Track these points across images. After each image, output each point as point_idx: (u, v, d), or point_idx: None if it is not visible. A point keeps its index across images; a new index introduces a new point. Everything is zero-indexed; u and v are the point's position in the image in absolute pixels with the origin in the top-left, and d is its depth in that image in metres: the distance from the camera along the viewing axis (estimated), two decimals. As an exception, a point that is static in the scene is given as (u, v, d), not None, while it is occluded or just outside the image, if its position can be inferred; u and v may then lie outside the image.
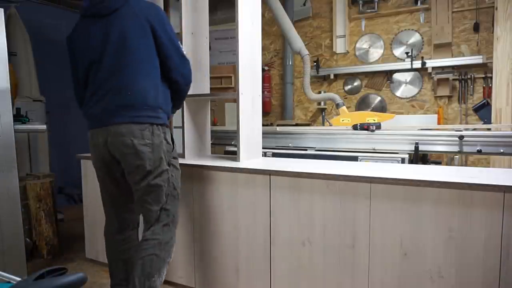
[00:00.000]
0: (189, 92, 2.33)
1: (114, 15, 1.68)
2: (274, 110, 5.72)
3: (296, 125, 5.03)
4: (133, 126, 1.66)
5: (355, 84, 5.14)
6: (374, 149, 2.85)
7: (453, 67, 4.43)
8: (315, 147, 3.08)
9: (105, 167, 1.80)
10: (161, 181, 1.71)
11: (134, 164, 1.68)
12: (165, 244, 1.71)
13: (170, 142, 1.78)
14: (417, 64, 4.57)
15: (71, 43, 1.85)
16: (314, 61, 5.19)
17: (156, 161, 1.69)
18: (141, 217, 1.97)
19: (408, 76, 4.79)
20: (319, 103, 5.25)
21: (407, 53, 4.66)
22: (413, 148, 2.69)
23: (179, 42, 1.81)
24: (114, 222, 1.92)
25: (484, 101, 4.26)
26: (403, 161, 2.61)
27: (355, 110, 5.03)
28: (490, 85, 4.01)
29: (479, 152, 2.53)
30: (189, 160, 2.29)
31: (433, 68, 4.53)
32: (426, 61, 4.52)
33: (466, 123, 4.36)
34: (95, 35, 1.70)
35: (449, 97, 4.51)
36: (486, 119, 4.05)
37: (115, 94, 1.68)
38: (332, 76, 5.20)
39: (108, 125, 1.69)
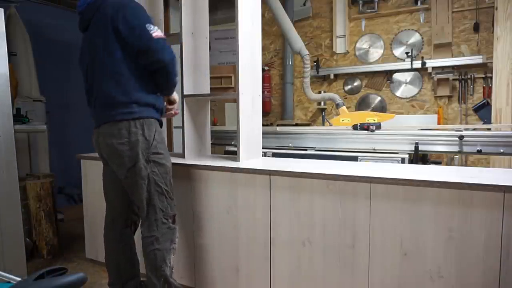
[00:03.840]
0: (189, 92, 2.34)
1: (90, 24, 1.82)
2: (274, 110, 5.72)
3: (296, 125, 5.03)
4: (112, 126, 1.76)
5: (355, 84, 5.14)
6: (374, 149, 2.85)
7: (453, 67, 4.43)
8: (315, 147, 3.08)
9: (105, 164, 1.95)
10: (140, 178, 1.76)
11: (116, 163, 1.79)
12: (163, 237, 1.80)
13: (150, 139, 1.77)
14: (417, 64, 4.57)
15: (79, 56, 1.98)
16: (314, 61, 5.19)
17: (133, 159, 1.74)
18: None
19: (408, 76, 4.79)
20: (319, 103, 5.25)
21: (407, 53, 4.67)
22: (413, 148, 2.69)
23: (148, 26, 1.71)
24: (109, 216, 2.00)
25: (484, 101, 4.25)
26: (403, 161, 2.61)
27: (355, 110, 5.03)
28: (490, 85, 4.02)
29: (479, 152, 2.52)
30: (189, 160, 2.29)
31: (433, 68, 4.53)
32: (426, 61, 4.52)
33: (466, 123, 4.36)
34: (85, 46, 1.88)
35: (449, 97, 4.51)
36: (486, 119, 4.05)
37: (96, 98, 1.82)
38: (332, 76, 5.20)
39: (96, 127, 1.86)
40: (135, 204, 1.90)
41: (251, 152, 2.26)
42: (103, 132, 1.80)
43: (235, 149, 2.44)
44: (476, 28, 4.30)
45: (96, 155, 2.68)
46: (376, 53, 4.97)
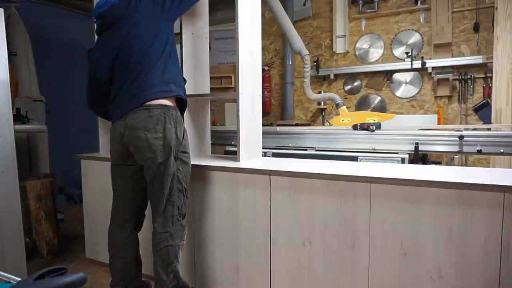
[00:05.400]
0: (189, 92, 2.34)
1: (121, 21, 1.86)
2: (274, 110, 5.72)
3: (296, 125, 5.03)
4: (146, 119, 1.76)
5: (355, 84, 5.14)
6: (374, 149, 2.85)
7: (453, 67, 4.43)
8: (315, 147, 3.08)
9: (119, 164, 1.93)
10: (167, 174, 1.79)
11: (146, 157, 1.79)
12: (176, 234, 1.84)
13: (180, 137, 1.85)
14: (417, 64, 4.57)
15: (92, 54, 2.00)
16: (314, 61, 5.19)
17: (165, 154, 1.78)
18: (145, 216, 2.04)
19: (408, 76, 4.79)
20: (319, 103, 5.25)
21: (407, 53, 4.67)
22: (413, 148, 2.69)
23: None
24: (119, 218, 1.97)
25: (484, 101, 4.26)
26: (403, 161, 2.61)
27: (355, 110, 5.03)
28: (490, 85, 4.01)
29: (479, 152, 2.52)
30: (189, 160, 2.29)
31: (433, 68, 4.53)
32: (426, 61, 4.52)
33: (466, 123, 4.36)
34: (108, 44, 1.90)
35: (449, 97, 4.51)
36: (486, 119, 4.05)
37: (130, 89, 1.85)
38: (332, 76, 5.20)
39: (120, 117, 1.84)
40: (151, 198, 1.89)
41: (251, 152, 2.26)
42: (133, 125, 1.78)
43: (235, 149, 2.44)
44: (476, 28, 4.30)
45: (96, 154, 2.71)
46: (376, 53, 4.97)
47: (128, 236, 1.96)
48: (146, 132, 1.76)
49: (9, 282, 0.86)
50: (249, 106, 2.22)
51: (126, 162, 1.90)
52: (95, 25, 1.99)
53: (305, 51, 3.78)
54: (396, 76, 4.85)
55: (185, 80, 2.07)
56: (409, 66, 4.62)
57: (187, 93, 2.31)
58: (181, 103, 1.96)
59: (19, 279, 0.82)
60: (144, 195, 1.94)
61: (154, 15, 1.87)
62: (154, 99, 1.79)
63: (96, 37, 2.02)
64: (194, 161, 2.22)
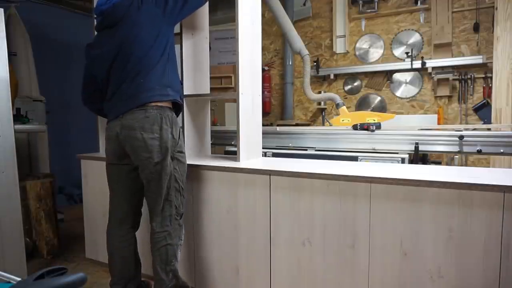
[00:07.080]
0: (189, 92, 2.35)
1: (123, 21, 1.86)
2: (274, 110, 5.72)
3: (296, 125, 5.03)
4: (142, 119, 1.78)
5: (355, 84, 5.14)
6: (374, 149, 2.85)
7: (453, 67, 4.43)
8: (315, 147, 3.08)
9: (114, 163, 1.94)
10: (164, 174, 1.80)
11: (143, 157, 1.80)
12: (174, 233, 1.85)
13: (176, 137, 1.86)
14: (417, 64, 4.57)
15: (90, 51, 1.99)
16: (314, 61, 5.19)
17: (162, 154, 1.79)
18: (142, 215, 2.04)
19: (408, 76, 4.79)
20: (319, 103, 5.25)
21: (407, 53, 4.67)
22: (413, 148, 2.69)
23: None
24: (116, 217, 1.98)
25: (484, 101, 4.26)
26: (403, 161, 2.61)
27: (355, 110, 5.03)
28: (490, 85, 4.02)
29: (479, 152, 2.52)
30: (189, 160, 2.28)
31: (433, 68, 4.53)
32: (426, 61, 4.52)
33: (466, 123, 4.36)
34: (107, 42, 1.89)
35: (449, 97, 4.51)
36: (486, 119, 4.05)
37: (128, 89, 1.86)
38: (332, 76, 5.20)
39: (117, 117, 1.84)
40: (148, 198, 1.89)
41: (251, 152, 2.26)
42: (129, 125, 1.79)
43: (235, 149, 2.43)
44: (476, 28, 4.30)
45: (96, 154, 2.71)
46: (376, 53, 4.97)
47: (126, 234, 1.97)
48: (142, 132, 1.77)
49: (9, 282, 0.86)
50: (249, 106, 2.22)
51: (122, 162, 1.91)
52: (95, 21, 1.99)
53: (305, 51, 3.78)
54: (396, 76, 4.85)
55: (181, 84, 2.07)
56: (409, 66, 4.63)
57: (188, 93, 2.33)
58: (176, 106, 1.97)
59: (19, 279, 0.82)
60: (140, 194, 1.95)
61: (156, 17, 1.87)
62: (151, 102, 1.80)
63: (95, 33, 2.01)
64: (194, 161, 2.23)
